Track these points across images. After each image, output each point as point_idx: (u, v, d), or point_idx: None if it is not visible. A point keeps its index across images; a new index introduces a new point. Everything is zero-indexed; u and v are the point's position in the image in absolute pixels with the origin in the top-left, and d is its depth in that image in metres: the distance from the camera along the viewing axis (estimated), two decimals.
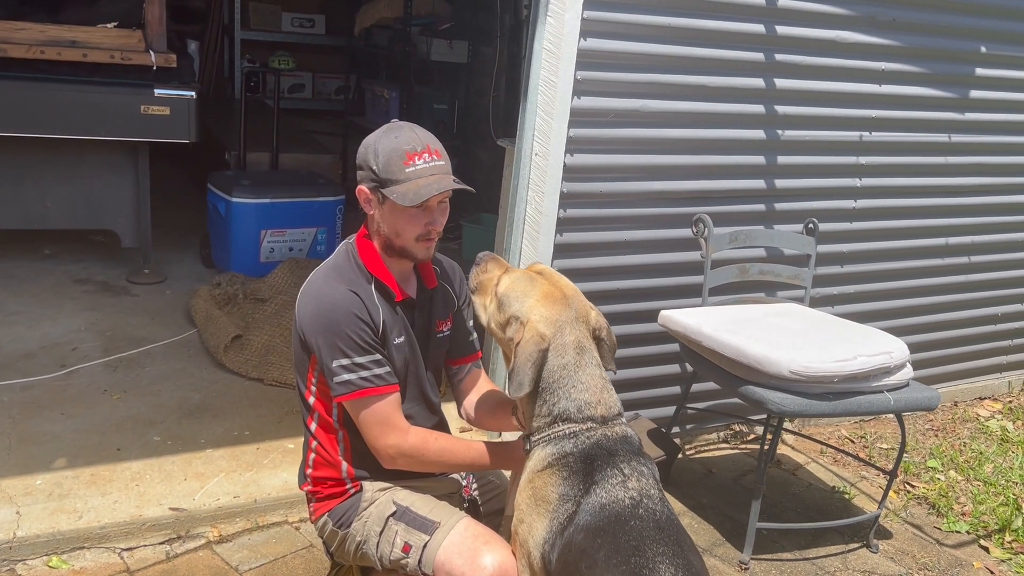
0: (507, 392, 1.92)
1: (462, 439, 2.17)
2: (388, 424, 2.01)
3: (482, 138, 6.10)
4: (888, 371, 2.79)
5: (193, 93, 4.27)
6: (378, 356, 2.00)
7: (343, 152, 6.76)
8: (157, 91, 4.21)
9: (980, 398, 4.57)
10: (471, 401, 2.33)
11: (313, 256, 4.88)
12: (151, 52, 4.28)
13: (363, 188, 2.01)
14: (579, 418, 1.84)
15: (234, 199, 4.65)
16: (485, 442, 2.17)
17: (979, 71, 3.82)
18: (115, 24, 4.31)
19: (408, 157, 1.94)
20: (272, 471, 3.08)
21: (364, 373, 1.97)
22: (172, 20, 4.66)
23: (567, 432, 1.84)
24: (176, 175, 6.17)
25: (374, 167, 1.96)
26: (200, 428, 3.29)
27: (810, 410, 2.71)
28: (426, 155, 1.96)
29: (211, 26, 7.62)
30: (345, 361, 1.97)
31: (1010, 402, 4.58)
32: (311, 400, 2.16)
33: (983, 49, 3.79)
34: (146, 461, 3.04)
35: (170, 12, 4.43)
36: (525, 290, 1.93)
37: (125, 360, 3.76)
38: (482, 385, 2.35)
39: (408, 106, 6.01)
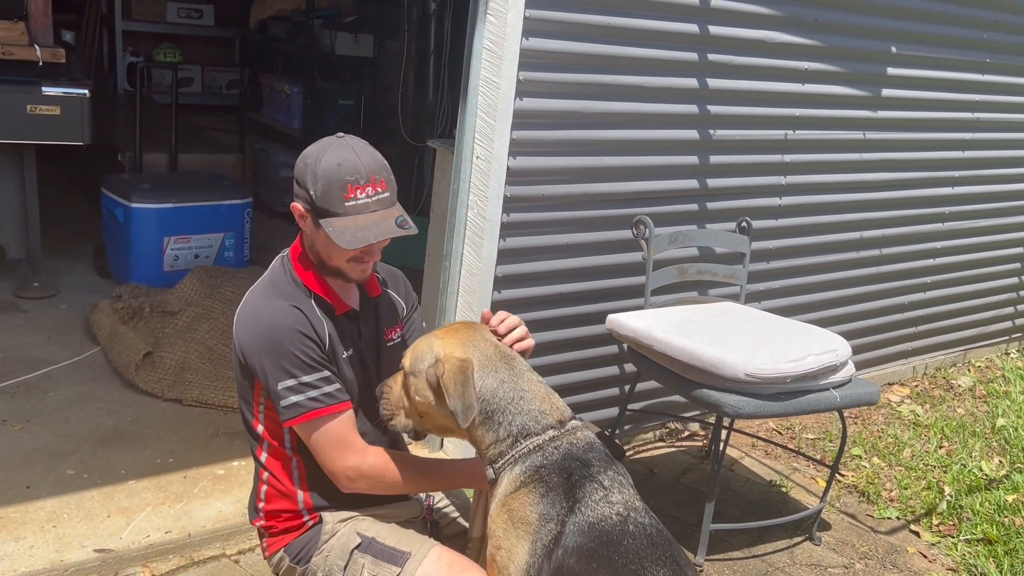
0: (460, 424, 1.80)
1: (425, 457, 2.06)
2: (344, 444, 1.89)
3: (391, 135, 5.92)
4: (835, 369, 2.84)
5: (87, 91, 3.94)
6: (326, 373, 1.88)
7: (240, 149, 6.45)
8: (45, 89, 3.86)
9: (889, 384, 4.77)
10: None
11: (221, 263, 4.61)
12: (36, 46, 3.93)
13: (298, 206, 1.87)
14: (538, 429, 1.77)
15: (133, 204, 4.33)
16: (449, 460, 2.08)
17: (890, 70, 3.96)
18: None
19: (350, 190, 1.80)
20: (204, 501, 2.87)
21: (312, 393, 1.85)
22: None
23: (532, 447, 1.76)
24: (57, 177, 5.71)
25: (311, 191, 1.81)
26: (118, 457, 3.03)
27: (764, 411, 2.72)
28: (369, 188, 1.82)
29: (88, 16, 7.10)
30: (291, 382, 1.84)
31: (916, 386, 4.80)
32: (259, 429, 2.02)
33: (894, 49, 3.93)
34: (61, 498, 2.77)
35: None
36: (427, 343, 1.84)
37: (23, 385, 3.43)
38: None
39: (312, 101, 5.77)
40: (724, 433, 3.11)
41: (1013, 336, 5.46)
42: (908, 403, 4.55)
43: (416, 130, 5.59)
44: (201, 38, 7.46)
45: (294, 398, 1.84)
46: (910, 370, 4.89)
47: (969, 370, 5.12)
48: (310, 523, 2.05)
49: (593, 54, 3.01)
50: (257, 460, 2.06)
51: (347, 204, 1.80)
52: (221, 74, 7.60)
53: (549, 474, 1.72)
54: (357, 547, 1.98)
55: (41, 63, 3.92)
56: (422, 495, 2.18)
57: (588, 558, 1.63)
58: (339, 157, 1.81)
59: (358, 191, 1.81)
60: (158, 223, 4.39)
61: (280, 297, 1.89)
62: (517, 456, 1.76)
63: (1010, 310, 5.31)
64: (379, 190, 1.84)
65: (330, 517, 2.04)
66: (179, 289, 4.14)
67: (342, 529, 2.02)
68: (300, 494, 2.03)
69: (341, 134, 1.87)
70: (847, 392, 2.89)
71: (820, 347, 2.83)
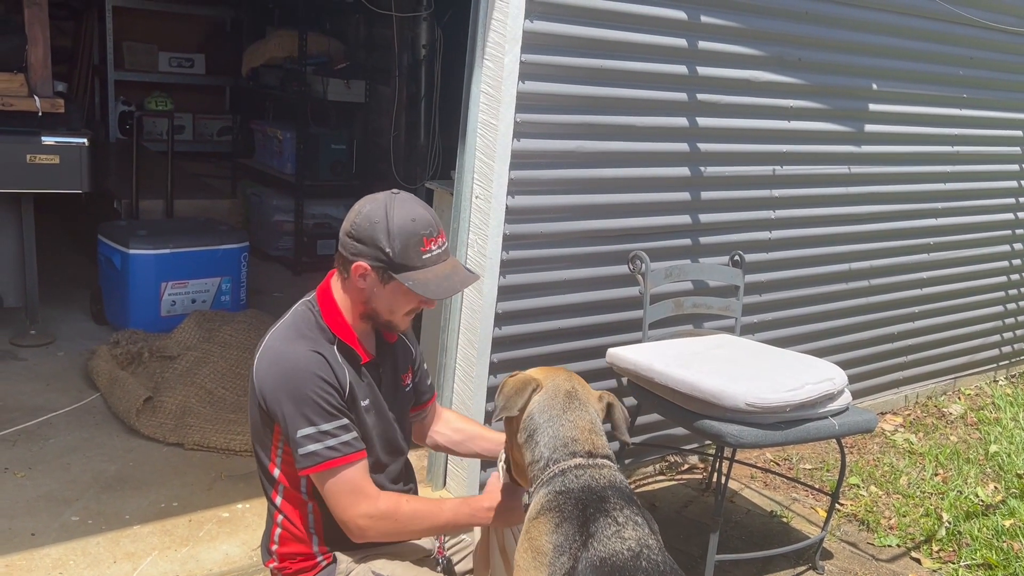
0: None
1: (433, 499, 2.08)
2: (358, 492, 1.90)
3: (382, 178, 6.00)
4: (832, 397, 2.90)
5: (85, 140, 4.00)
6: (345, 421, 1.89)
7: (232, 195, 6.50)
8: (45, 139, 3.91)
9: (882, 413, 4.82)
10: (440, 431, 2.32)
11: (217, 307, 4.63)
12: (35, 97, 3.99)
13: (364, 265, 1.88)
14: (566, 454, 1.81)
15: (131, 250, 4.37)
16: (457, 499, 2.10)
17: (872, 106, 4.08)
18: None
19: (426, 243, 1.87)
20: (210, 544, 2.87)
21: (330, 442, 1.86)
22: None
23: (557, 471, 1.80)
24: (53, 226, 5.74)
25: (387, 249, 1.85)
26: (122, 503, 3.03)
27: (765, 440, 2.76)
28: (439, 239, 1.90)
29: (79, 66, 7.19)
30: (310, 430, 1.84)
31: (908, 415, 4.86)
32: (275, 473, 2.02)
33: (875, 86, 4.05)
34: (67, 545, 2.76)
35: None
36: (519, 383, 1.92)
37: (24, 433, 3.43)
38: (447, 415, 2.34)
39: (304, 147, 5.85)
40: (726, 464, 3.14)
41: (1000, 363, 5.55)
42: (902, 432, 4.60)
43: (408, 173, 5.68)
44: (192, 86, 7.55)
45: (312, 447, 1.84)
46: (902, 399, 4.95)
47: (959, 398, 5.19)
48: (324, 563, 2.06)
49: (587, 96, 3.10)
50: (271, 503, 2.06)
51: (424, 257, 1.87)
52: (212, 121, 7.68)
53: (565, 502, 1.74)
54: None
55: (40, 113, 3.98)
56: (432, 540, 2.21)
57: None
58: (410, 212, 1.86)
59: (432, 244, 1.87)
60: (155, 269, 4.42)
61: (302, 341, 1.90)
62: (545, 480, 1.80)
63: (996, 338, 5.40)
64: (444, 240, 1.92)
65: (344, 557, 2.05)
66: (177, 334, 4.16)
67: (357, 568, 2.03)
68: (315, 538, 2.04)
69: (395, 191, 1.92)
70: (845, 420, 2.94)
71: (817, 376, 2.88)
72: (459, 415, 2.41)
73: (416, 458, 3.57)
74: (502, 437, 2.08)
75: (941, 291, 4.87)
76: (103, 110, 7.26)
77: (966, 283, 5.01)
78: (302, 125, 5.84)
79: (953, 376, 5.24)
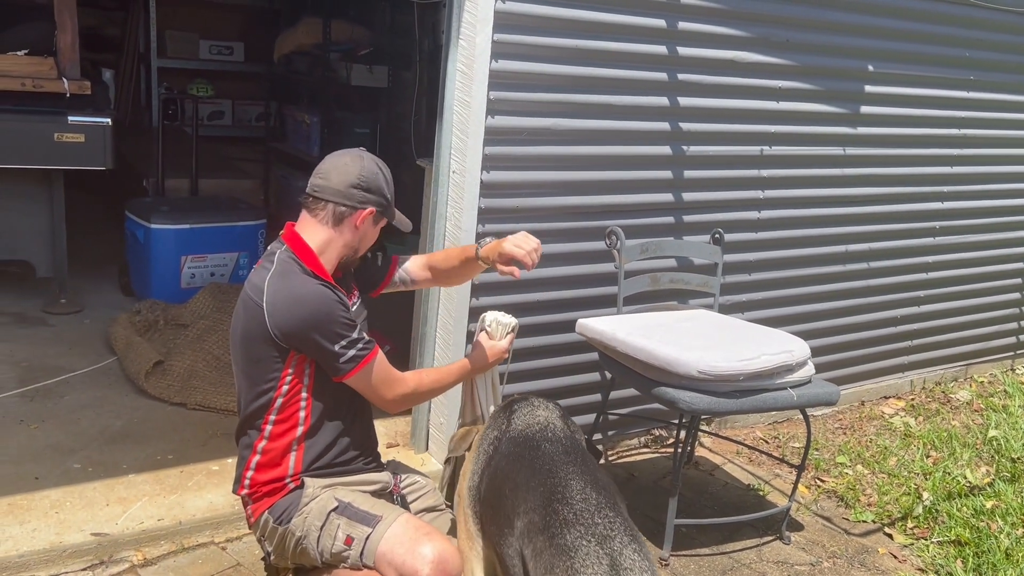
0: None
1: (440, 368, 2.55)
2: (391, 379, 2.30)
3: (405, 161, 6.15)
4: (790, 368, 2.96)
5: (109, 120, 4.25)
6: (358, 326, 2.24)
7: (265, 177, 6.77)
8: (71, 118, 4.18)
9: (885, 397, 4.82)
10: (415, 268, 2.63)
11: (236, 281, 4.87)
12: (64, 79, 4.25)
13: (374, 210, 2.30)
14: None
15: (153, 225, 4.62)
16: (455, 363, 2.49)
17: (868, 88, 4.08)
18: (26, 52, 4.26)
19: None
20: (197, 493, 3.08)
21: (361, 344, 2.23)
22: (86, 49, 4.65)
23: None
24: (92, 204, 6.07)
25: (387, 195, 2.35)
26: (122, 454, 3.26)
27: (719, 407, 2.85)
28: None
29: (126, 55, 7.53)
30: (345, 342, 2.19)
31: (912, 399, 4.84)
32: (279, 401, 2.24)
33: (871, 68, 4.05)
34: (66, 488, 3.00)
35: (84, 41, 4.41)
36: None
37: (42, 390, 3.69)
38: (415, 258, 2.65)
39: (329, 131, 6.05)
40: (697, 433, 3.22)
41: (1018, 352, 5.47)
42: (902, 415, 4.59)
43: (428, 154, 5.83)
44: (232, 73, 7.83)
45: (351, 353, 2.19)
46: (907, 384, 4.93)
47: (970, 384, 5.14)
48: (292, 486, 2.28)
49: (562, 74, 3.20)
50: (257, 431, 2.27)
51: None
52: (250, 107, 7.95)
53: (498, 409, 2.33)
54: (334, 509, 2.23)
55: (68, 95, 4.24)
56: (390, 475, 2.46)
57: (514, 460, 2.08)
58: (382, 167, 2.37)
59: None
60: (176, 243, 4.67)
61: (306, 283, 2.19)
62: None
63: (1013, 326, 5.32)
64: None
65: (312, 482, 2.28)
66: (192, 304, 4.40)
67: (322, 494, 2.27)
68: (292, 459, 2.27)
69: (362, 148, 2.38)
70: (804, 392, 3.00)
71: (776, 348, 2.95)
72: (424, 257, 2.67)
73: (400, 423, 3.75)
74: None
75: (949, 276, 4.83)
76: (148, 96, 7.58)
77: (977, 268, 4.96)
78: (327, 110, 6.05)
79: (964, 363, 5.19)
